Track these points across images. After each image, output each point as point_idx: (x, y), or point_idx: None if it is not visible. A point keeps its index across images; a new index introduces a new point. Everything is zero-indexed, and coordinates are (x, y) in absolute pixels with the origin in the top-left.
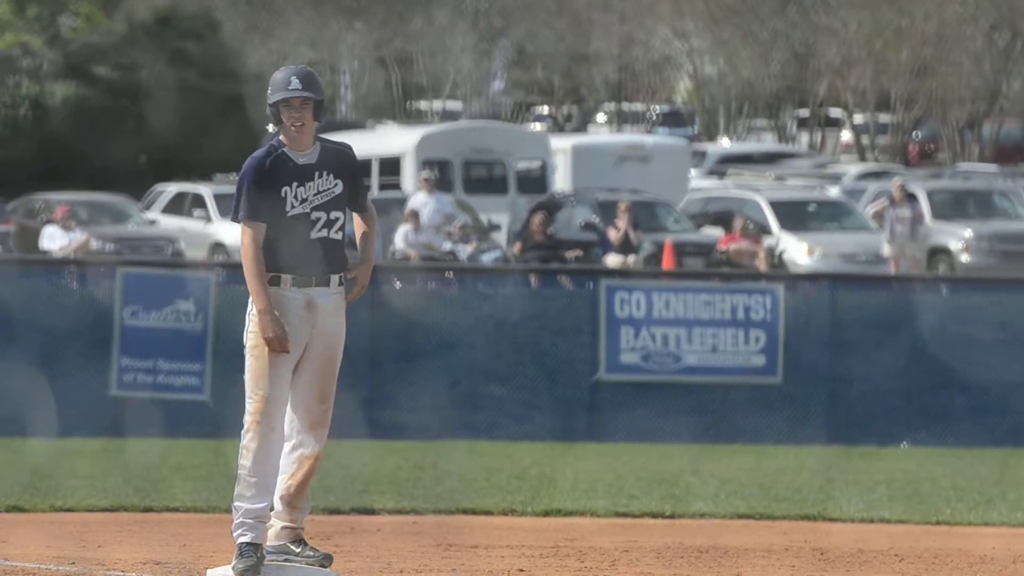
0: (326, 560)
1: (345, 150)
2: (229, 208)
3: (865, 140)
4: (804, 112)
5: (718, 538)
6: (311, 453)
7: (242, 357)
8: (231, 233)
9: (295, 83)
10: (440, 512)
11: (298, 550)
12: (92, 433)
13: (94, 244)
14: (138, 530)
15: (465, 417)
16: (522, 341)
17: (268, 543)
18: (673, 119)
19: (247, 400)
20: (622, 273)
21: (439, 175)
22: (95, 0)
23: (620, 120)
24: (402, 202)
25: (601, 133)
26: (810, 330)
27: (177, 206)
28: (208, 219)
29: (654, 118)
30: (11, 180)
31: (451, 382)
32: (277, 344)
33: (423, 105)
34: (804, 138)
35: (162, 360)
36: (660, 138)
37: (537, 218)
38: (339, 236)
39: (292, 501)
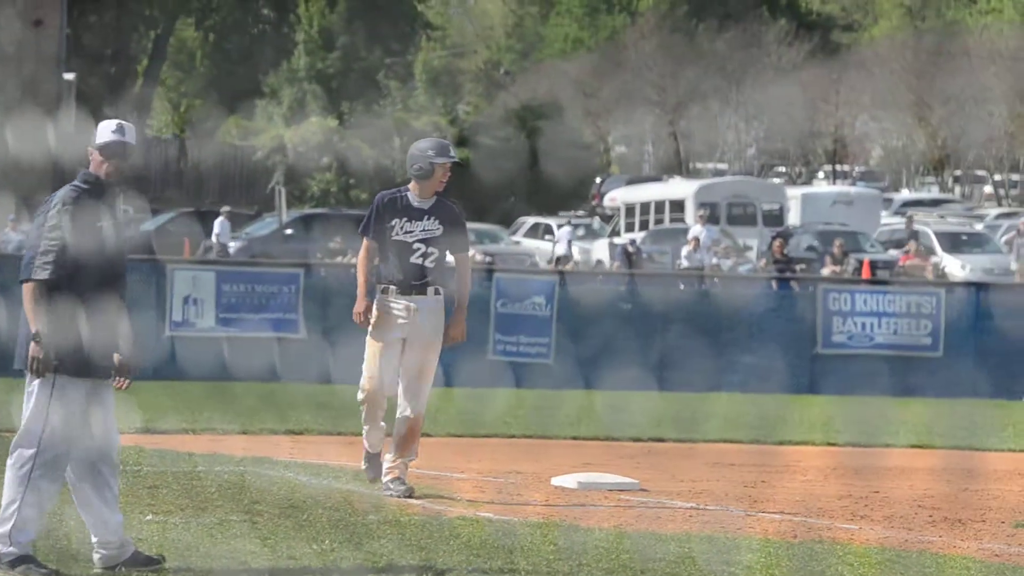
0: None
1: (452, 205)
2: (567, 234)
3: (1001, 191)
4: (959, 172)
5: (897, 461)
6: (410, 415)
7: (578, 335)
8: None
9: (453, 152)
10: (708, 441)
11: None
12: (475, 385)
13: (477, 258)
14: (506, 450)
15: (726, 377)
16: (765, 325)
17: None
18: (870, 176)
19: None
20: (834, 280)
21: (710, 212)
22: (482, 93)
23: (834, 176)
24: (685, 231)
25: (820, 185)
26: (961, 320)
27: (533, 232)
28: (555, 241)
29: (856, 175)
30: None
31: (716, 353)
32: (357, 317)
33: (700, 165)
34: (958, 189)
35: (523, 336)
36: (860, 189)
37: (777, 242)
38: (432, 264)
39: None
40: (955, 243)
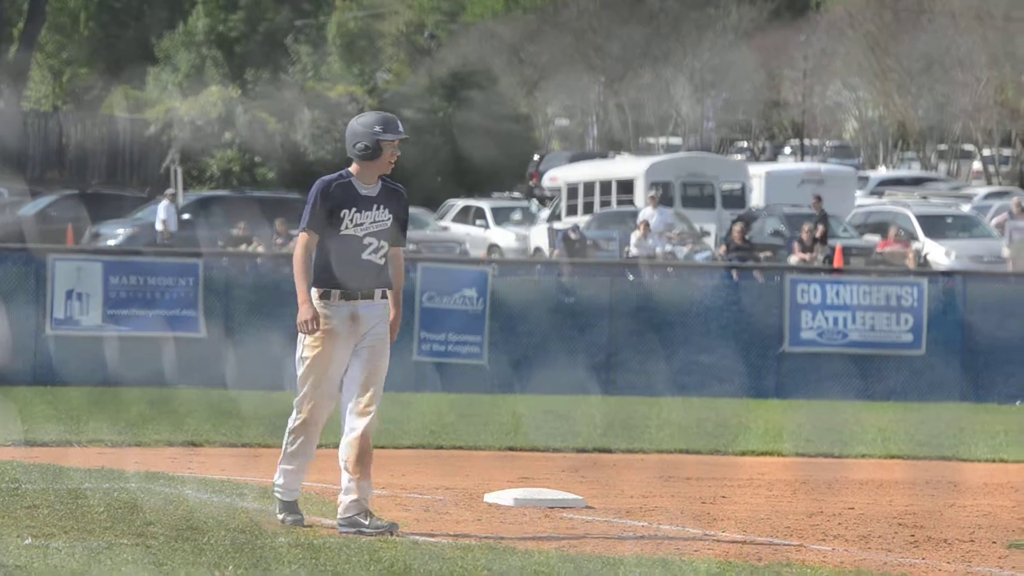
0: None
1: (400, 191)
2: (504, 219)
3: (991, 168)
4: (943, 146)
5: (874, 473)
6: (361, 432)
7: (514, 332)
8: (505, 238)
9: (401, 128)
10: (661, 452)
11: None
12: (397, 389)
13: None
14: (433, 463)
15: (680, 379)
16: (725, 320)
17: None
18: (843, 151)
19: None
20: (803, 269)
21: (663, 193)
22: (404, 60)
23: (802, 152)
24: (634, 214)
25: (787, 162)
26: (947, 314)
27: (464, 216)
28: (487, 226)
29: (828, 150)
30: None
31: (669, 353)
32: (305, 327)
33: (651, 140)
34: (943, 166)
35: (451, 333)
36: (832, 166)
37: (737, 227)
38: (383, 261)
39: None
40: (939, 227)
